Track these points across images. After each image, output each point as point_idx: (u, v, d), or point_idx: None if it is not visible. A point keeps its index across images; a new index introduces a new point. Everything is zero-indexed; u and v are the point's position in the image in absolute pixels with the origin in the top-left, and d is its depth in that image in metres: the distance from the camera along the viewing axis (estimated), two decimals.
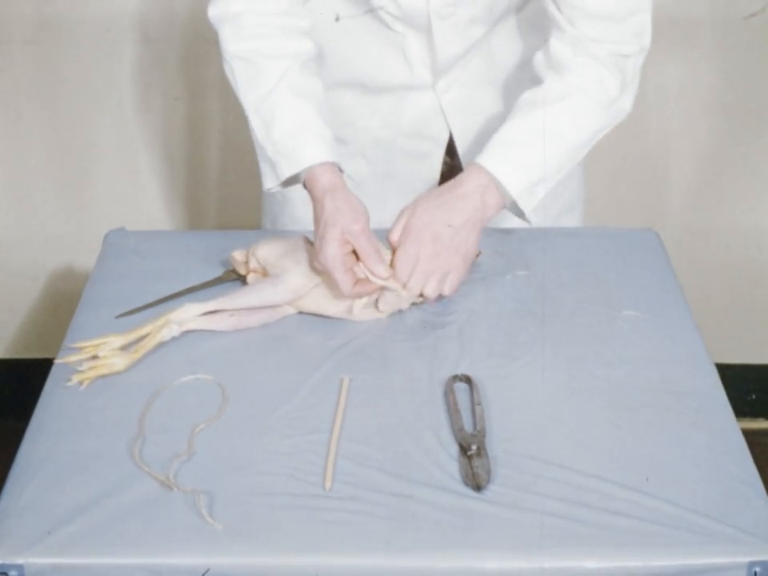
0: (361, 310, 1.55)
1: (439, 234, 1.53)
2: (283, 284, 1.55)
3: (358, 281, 1.52)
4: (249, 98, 1.60)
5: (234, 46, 1.60)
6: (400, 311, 1.58)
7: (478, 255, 1.63)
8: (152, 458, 1.31)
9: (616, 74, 1.59)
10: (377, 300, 1.55)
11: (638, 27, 1.59)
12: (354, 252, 1.52)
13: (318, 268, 1.54)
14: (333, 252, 1.50)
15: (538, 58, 1.63)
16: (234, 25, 1.60)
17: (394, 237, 1.55)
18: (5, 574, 1.18)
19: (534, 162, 1.57)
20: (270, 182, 1.62)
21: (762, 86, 2.45)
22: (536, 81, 1.64)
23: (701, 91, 2.46)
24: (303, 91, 1.60)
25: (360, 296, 1.53)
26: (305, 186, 1.58)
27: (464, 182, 1.57)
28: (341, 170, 1.58)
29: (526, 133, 1.58)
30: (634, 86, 1.63)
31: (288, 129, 1.57)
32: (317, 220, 1.54)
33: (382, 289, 1.54)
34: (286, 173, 1.58)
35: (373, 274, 1.52)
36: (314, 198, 1.56)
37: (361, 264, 1.52)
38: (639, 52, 1.60)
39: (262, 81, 1.59)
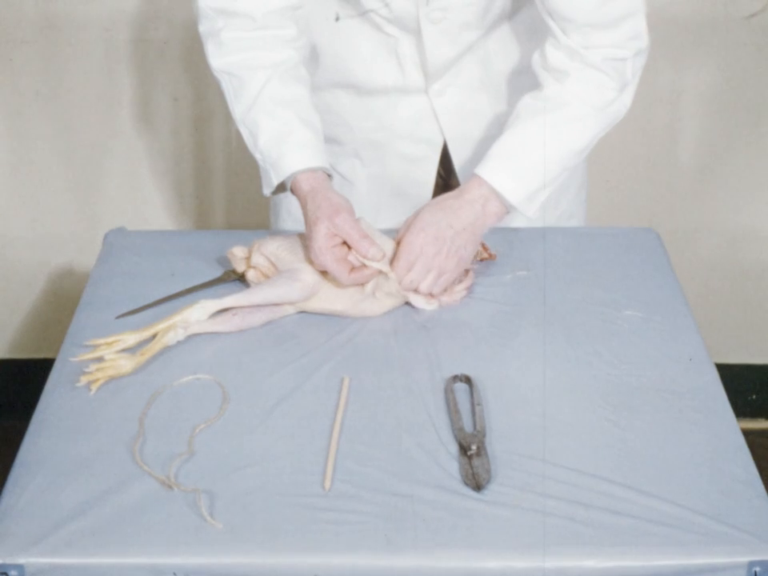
0: (362, 302, 1.55)
1: (442, 233, 1.56)
2: (300, 281, 1.55)
3: (353, 268, 1.54)
4: (236, 109, 1.65)
5: (218, 60, 1.65)
6: (403, 305, 1.59)
7: (494, 257, 1.67)
8: (152, 458, 1.31)
9: (613, 76, 1.61)
10: (375, 291, 1.56)
11: (631, 31, 1.60)
12: (347, 244, 1.54)
13: (316, 269, 1.55)
14: (320, 245, 1.53)
15: (535, 58, 1.65)
16: (215, 41, 1.64)
17: (400, 235, 1.58)
18: (5, 573, 1.18)
19: (534, 171, 1.60)
20: (265, 189, 1.66)
21: (762, 85, 2.45)
22: (533, 82, 1.64)
23: (701, 91, 2.46)
24: (284, 99, 1.63)
25: (358, 282, 1.55)
26: (292, 192, 1.62)
27: (466, 191, 1.60)
28: (328, 174, 1.61)
29: (525, 142, 1.61)
30: (634, 85, 1.64)
31: (271, 138, 1.62)
32: (305, 224, 1.58)
33: (381, 274, 1.55)
34: (274, 181, 1.62)
35: (365, 257, 1.53)
36: (300, 204, 1.60)
37: (353, 252, 1.53)
38: (636, 54, 1.61)
39: (245, 92, 1.63)
